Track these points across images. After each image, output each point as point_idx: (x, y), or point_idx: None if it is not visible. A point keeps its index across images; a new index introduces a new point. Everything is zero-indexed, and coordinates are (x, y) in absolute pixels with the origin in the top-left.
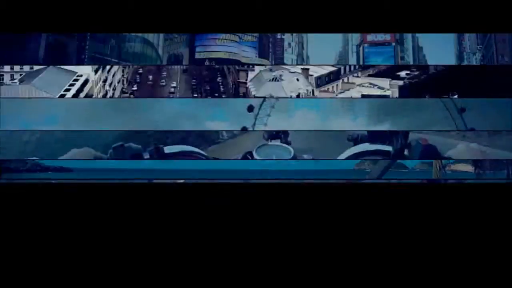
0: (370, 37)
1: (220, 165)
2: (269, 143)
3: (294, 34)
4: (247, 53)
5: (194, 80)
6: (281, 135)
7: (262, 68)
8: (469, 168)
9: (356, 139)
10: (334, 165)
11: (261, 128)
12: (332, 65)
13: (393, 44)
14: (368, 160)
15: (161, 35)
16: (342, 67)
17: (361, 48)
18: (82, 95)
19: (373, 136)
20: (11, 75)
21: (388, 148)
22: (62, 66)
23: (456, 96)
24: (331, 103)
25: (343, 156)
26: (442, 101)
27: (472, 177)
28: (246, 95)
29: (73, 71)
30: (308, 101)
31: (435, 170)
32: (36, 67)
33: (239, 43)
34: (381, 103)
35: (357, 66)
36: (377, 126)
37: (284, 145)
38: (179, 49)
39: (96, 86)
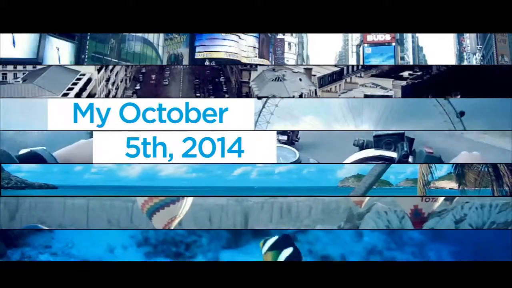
0: (370, 37)
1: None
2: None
3: (294, 34)
4: (247, 53)
5: (197, 80)
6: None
7: (264, 67)
8: (453, 185)
9: (361, 145)
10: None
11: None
12: (335, 65)
13: (393, 44)
14: (352, 177)
15: (161, 35)
16: (345, 67)
17: (361, 48)
18: (84, 94)
19: (378, 142)
20: (14, 74)
21: (393, 154)
22: (65, 65)
23: (459, 96)
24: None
25: (348, 161)
26: (441, 104)
27: (456, 193)
28: (249, 94)
29: (76, 70)
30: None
31: (420, 187)
32: (39, 66)
33: (239, 43)
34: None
35: (359, 67)
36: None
37: (289, 147)
38: (179, 49)
39: (99, 85)
